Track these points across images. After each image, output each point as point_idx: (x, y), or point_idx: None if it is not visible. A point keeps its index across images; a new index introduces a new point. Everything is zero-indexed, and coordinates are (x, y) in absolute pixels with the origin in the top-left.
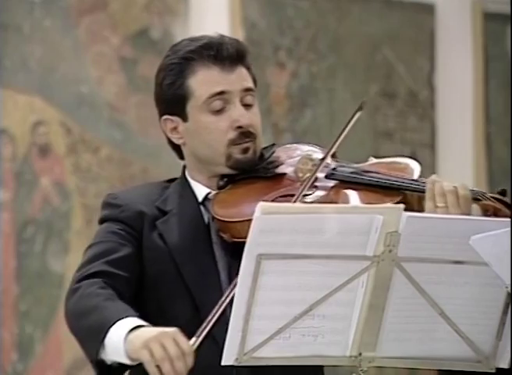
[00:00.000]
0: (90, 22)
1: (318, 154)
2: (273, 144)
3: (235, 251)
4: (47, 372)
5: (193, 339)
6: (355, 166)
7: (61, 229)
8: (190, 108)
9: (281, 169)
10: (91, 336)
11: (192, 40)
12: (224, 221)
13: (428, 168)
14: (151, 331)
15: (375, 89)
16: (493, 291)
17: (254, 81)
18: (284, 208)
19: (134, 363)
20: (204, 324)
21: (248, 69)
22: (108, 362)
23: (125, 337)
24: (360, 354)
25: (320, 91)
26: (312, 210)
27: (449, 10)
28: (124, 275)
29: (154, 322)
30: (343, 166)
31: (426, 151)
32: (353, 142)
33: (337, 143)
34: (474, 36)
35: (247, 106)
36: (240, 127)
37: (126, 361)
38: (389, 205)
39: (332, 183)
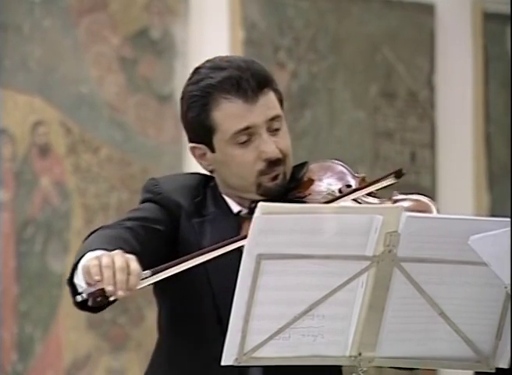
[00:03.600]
0: (90, 22)
1: (346, 183)
2: (305, 163)
3: None
4: (47, 372)
5: (148, 271)
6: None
7: (61, 229)
8: (217, 141)
9: (309, 200)
10: (76, 258)
11: (214, 68)
12: None
13: (428, 168)
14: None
15: (375, 89)
16: (493, 291)
17: (281, 101)
18: (284, 208)
19: (83, 283)
20: (167, 265)
21: (274, 90)
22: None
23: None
24: (359, 354)
25: (320, 91)
26: (312, 210)
27: (449, 10)
28: (149, 242)
29: (174, 313)
30: None
31: (426, 151)
32: (353, 142)
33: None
34: (474, 36)
35: (274, 131)
36: (267, 159)
37: (82, 282)
38: (388, 205)
39: None
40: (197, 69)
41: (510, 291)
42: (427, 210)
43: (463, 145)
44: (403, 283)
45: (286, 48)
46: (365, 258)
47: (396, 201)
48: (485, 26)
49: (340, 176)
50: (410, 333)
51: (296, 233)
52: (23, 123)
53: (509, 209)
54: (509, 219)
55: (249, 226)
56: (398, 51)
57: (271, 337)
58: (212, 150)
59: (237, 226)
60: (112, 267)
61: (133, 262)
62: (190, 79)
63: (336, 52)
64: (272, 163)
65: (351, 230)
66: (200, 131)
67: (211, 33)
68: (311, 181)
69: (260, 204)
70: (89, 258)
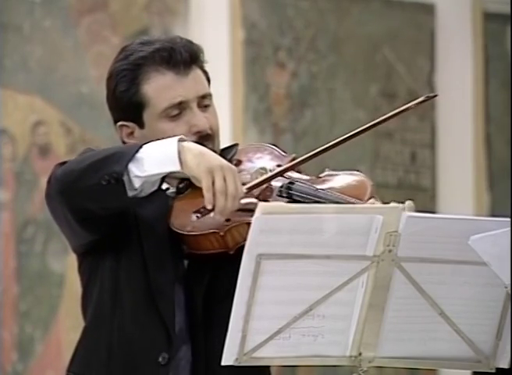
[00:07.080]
0: (90, 22)
1: (276, 163)
2: (235, 145)
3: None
4: (47, 372)
5: (244, 188)
6: (310, 180)
7: None
8: (147, 115)
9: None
10: (112, 158)
11: (143, 43)
12: (181, 233)
13: (428, 168)
14: (210, 153)
15: (375, 89)
16: (493, 291)
17: (208, 79)
18: (284, 208)
19: (181, 170)
20: (259, 180)
21: (202, 70)
22: (136, 183)
23: (177, 142)
24: (360, 354)
25: (320, 91)
26: (312, 210)
27: (449, 10)
28: None
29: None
30: (298, 184)
31: (426, 151)
32: (353, 142)
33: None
34: (474, 36)
35: (204, 107)
36: (198, 132)
37: (172, 168)
38: (389, 205)
39: (284, 201)
40: (124, 48)
41: (510, 291)
42: (362, 185)
43: (463, 145)
44: (403, 283)
45: (286, 48)
46: (365, 258)
47: (326, 176)
48: (485, 26)
49: (270, 157)
50: (410, 333)
51: (296, 233)
52: (23, 123)
53: (509, 209)
54: (509, 219)
55: (177, 205)
56: (398, 51)
57: (271, 337)
58: (141, 126)
59: (166, 203)
60: (224, 193)
61: (239, 181)
62: (117, 57)
63: (336, 52)
64: (203, 138)
65: (351, 230)
66: (130, 107)
67: (211, 33)
68: (241, 161)
69: (260, 204)
70: (191, 151)
